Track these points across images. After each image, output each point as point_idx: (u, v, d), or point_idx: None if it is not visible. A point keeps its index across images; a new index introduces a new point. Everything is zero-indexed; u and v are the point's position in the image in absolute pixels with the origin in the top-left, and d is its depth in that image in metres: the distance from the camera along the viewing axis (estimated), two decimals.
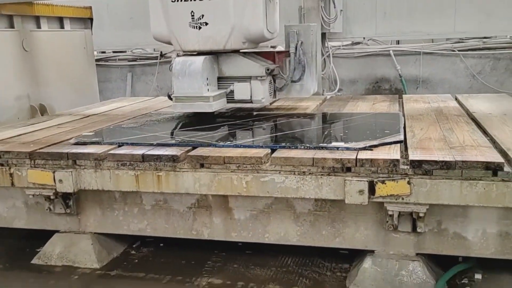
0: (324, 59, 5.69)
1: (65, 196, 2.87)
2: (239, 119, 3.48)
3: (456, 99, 4.06)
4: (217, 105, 3.45)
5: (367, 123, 3.13)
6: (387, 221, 2.46)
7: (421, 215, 2.34)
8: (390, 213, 2.38)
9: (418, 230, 2.42)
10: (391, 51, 6.03)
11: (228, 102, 3.61)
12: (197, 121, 3.46)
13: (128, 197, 2.86)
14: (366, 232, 2.57)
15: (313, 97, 4.38)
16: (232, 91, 3.59)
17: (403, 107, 3.73)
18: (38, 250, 3.04)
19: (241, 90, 3.56)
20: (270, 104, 4.12)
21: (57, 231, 3.01)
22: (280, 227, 2.69)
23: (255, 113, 3.69)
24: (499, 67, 5.69)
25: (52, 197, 2.80)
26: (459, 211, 2.40)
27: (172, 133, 3.18)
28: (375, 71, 6.20)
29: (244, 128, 3.20)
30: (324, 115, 3.62)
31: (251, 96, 3.56)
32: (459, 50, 5.77)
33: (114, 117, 3.86)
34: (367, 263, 2.55)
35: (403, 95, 4.52)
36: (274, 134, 3.09)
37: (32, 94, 4.75)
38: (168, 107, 4.27)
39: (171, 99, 3.58)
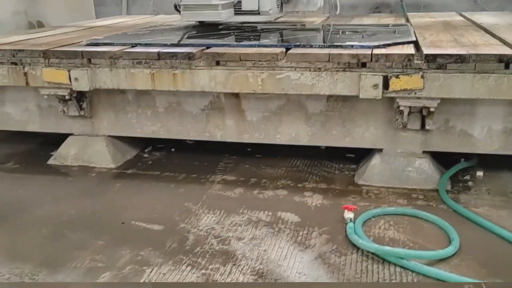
0: None
1: (79, 98, 2.89)
2: (246, 29, 3.46)
3: (461, 15, 4.07)
4: (226, 14, 3.41)
5: (377, 30, 3.15)
6: (397, 119, 2.55)
7: (431, 109, 2.42)
8: (401, 109, 2.46)
9: (427, 127, 2.51)
10: None
11: (234, 13, 3.57)
12: (204, 30, 3.43)
13: (142, 99, 2.90)
14: (375, 131, 2.66)
15: (317, 14, 4.35)
16: (239, 2, 3.54)
17: (409, 21, 3.74)
18: (52, 153, 3.11)
19: (248, 0, 3.52)
20: (275, 19, 4.08)
21: (71, 135, 3.07)
22: (291, 128, 2.76)
23: (261, 26, 3.66)
24: None
25: (67, 97, 2.82)
26: (467, 108, 2.49)
27: (181, 39, 3.16)
28: None
29: (253, 36, 3.19)
30: (333, 26, 3.61)
31: (258, 7, 3.54)
32: None
33: (119, 29, 3.80)
34: (376, 160, 2.67)
35: (408, 13, 4.51)
36: (287, 38, 3.10)
37: (29, 10, 4.69)
38: (171, 22, 4.22)
39: (177, 10, 3.54)
